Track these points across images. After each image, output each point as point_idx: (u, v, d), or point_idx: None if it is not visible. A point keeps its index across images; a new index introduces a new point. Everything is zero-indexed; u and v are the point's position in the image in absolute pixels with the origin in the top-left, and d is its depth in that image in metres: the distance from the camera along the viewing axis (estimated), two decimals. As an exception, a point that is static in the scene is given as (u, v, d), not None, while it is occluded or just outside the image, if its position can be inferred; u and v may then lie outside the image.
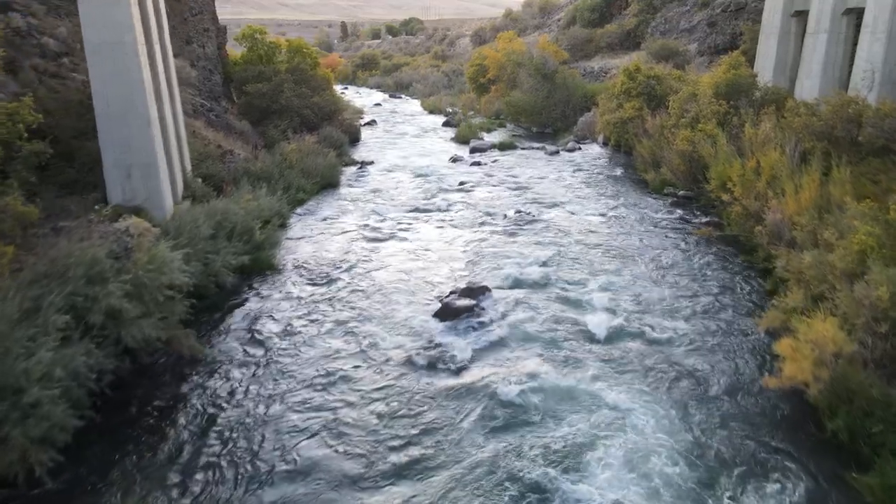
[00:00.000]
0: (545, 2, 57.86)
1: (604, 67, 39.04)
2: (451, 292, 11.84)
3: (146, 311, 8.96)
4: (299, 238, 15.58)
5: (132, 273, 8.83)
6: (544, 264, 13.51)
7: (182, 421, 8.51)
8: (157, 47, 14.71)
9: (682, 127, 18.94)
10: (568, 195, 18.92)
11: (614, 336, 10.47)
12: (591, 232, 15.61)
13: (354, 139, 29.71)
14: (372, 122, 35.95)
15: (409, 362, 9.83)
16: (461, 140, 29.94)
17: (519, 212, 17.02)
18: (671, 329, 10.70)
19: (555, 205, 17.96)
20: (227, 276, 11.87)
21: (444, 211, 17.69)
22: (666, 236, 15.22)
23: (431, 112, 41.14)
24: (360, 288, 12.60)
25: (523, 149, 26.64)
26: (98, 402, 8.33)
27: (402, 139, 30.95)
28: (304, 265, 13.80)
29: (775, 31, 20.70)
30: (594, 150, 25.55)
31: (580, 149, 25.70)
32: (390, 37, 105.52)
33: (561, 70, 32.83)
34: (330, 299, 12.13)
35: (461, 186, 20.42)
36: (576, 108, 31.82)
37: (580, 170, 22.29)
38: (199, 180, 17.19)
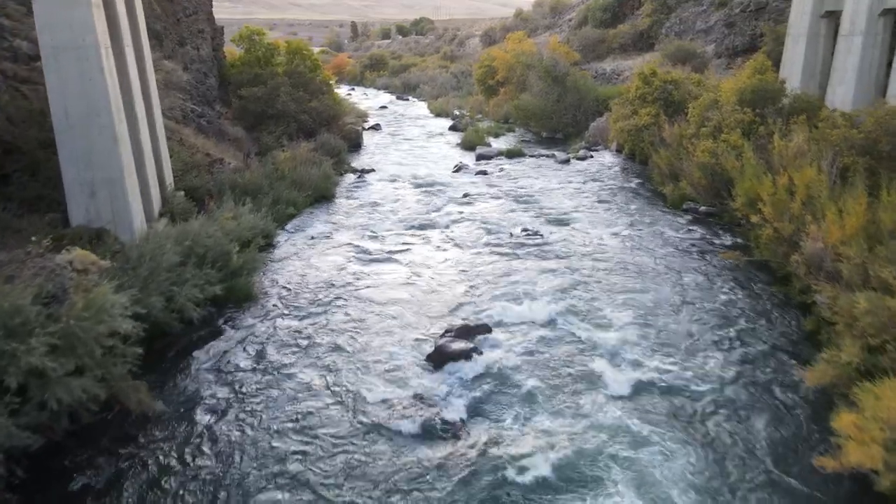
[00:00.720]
0: (556, 2, 56.10)
1: (616, 69, 37.37)
2: (447, 331, 10.30)
3: (81, 367, 7.49)
4: (284, 259, 14.08)
5: (64, 322, 7.37)
6: (553, 295, 11.94)
7: (119, 495, 7.05)
8: (128, 50, 13.26)
9: (702, 137, 17.30)
10: (579, 210, 17.32)
11: (636, 390, 8.88)
12: (605, 255, 14.02)
13: (356, 145, 28.22)
14: (376, 127, 34.46)
15: (395, 421, 8.30)
16: (467, 146, 28.38)
17: (526, 230, 15.45)
18: (701, 379, 9.12)
19: (565, 221, 16.38)
20: (193, 310, 10.38)
21: (445, 228, 16.15)
22: (688, 260, 13.62)
23: (438, 115, 39.60)
24: (346, 322, 11.10)
25: (532, 156, 25.03)
26: (15, 478, 6.90)
27: (405, 145, 29.43)
28: (287, 293, 12.30)
29: (803, 34, 18.99)
30: (606, 158, 23.92)
31: (592, 157, 24.08)
32: (400, 37, 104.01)
33: (572, 72, 31.19)
34: (310, 336, 10.63)
35: (465, 199, 18.87)
36: (587, 113, 30.19)
37: (592, 181, 20.68)
38: (182, 194, 15.77)
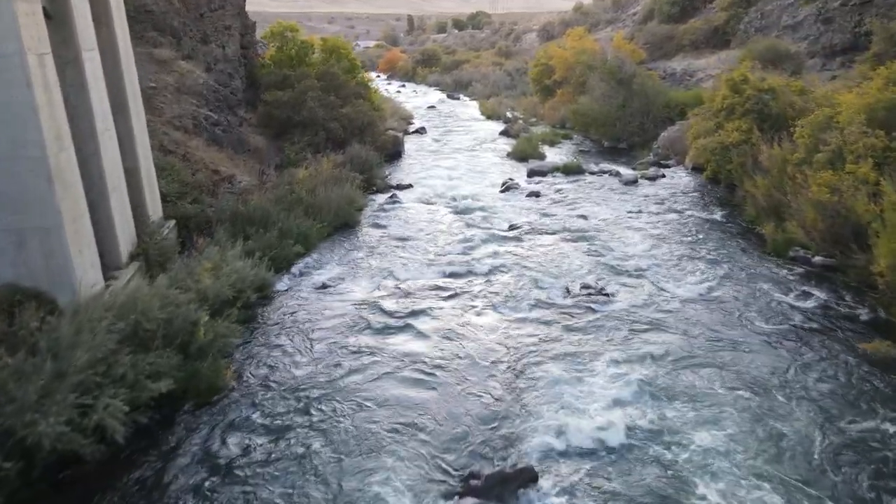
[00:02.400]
0: (619, -6, 51.52)
1: (687, 69, 32.94)
2: (469, 479, 6.85)
3: None
4: (274, 325, 10.80)
5: None
6: (623, 403, 8.33)
7: None
8: (88, 56, 10.19)
9: (817, 165, 13.26)
10: (654, 254, 13.53)
11: None
12: (694, 330, 10.28)
13: (395, 153, 24.91)
14: (420, 130, 31.07)
15: None
16: (518, 156, 24.71)
17: (587, 287, 11.80)
18: None
19: (636, 272, 12.63)
20: (119, 426, 7.25)
21: (484, 277, 12.64)
22: (811, 345, 9.74)
23: (489, 117, 35.91)
24: (333, 442, 7.75)
25: (592, 173, 21.19)
26: None
27: (450, 153, 25.93)
28: (266, 383, 9.05)
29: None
30: (681, 178, 19.91)
31: (663, 176, 20.09)
32: (456, 31, 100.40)
33: (639, 73, 27.06)
34: (279, 462, 7.36)
35: (512, 232, 15.31)
36: (656, 120, 26.08)
37: (667, 210, 16.78)
38: (172, 224, 12.80)
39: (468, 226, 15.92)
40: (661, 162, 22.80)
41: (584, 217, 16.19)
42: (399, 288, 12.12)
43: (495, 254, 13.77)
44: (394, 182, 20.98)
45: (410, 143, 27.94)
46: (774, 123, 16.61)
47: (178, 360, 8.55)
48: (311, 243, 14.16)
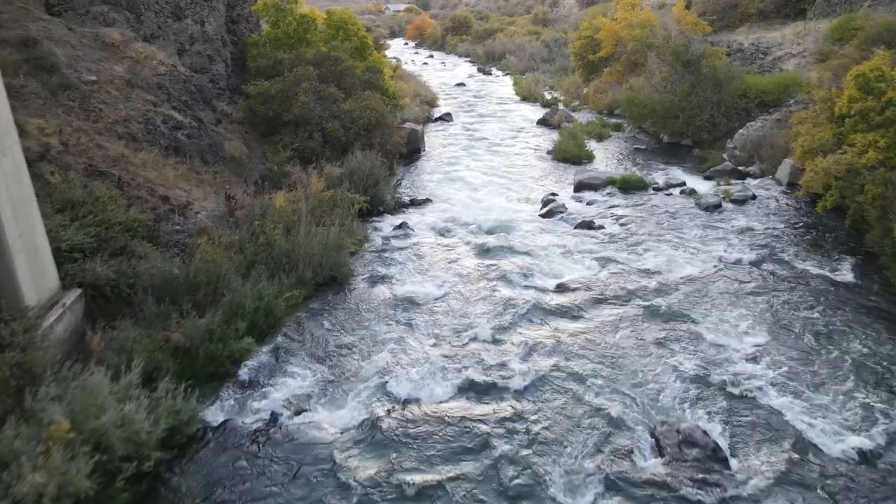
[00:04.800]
0: (672, -45, 44.90)
1: (758, 45, 27.08)
2: None
3: None
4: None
5: None
6: None
7: None
8: None
9: None
10: (774, 359, 8.61)
11: None
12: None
13: (413, 151, 20.18)
14: (446, 117, 26.11)
15: None
16: (561, 157, 19.77)
17: (687, 439, 7.10)
18: None
19: (755, 403, 7.80)
20: None
21: (520, 399, 7.99)
22: None
23: (525, 98, 30.66)
24: None
25: (657, 189, 16.19)
26: None
27: (478, 150, 21.05)
28: None
29: None
30: (778, 201, 14.79)
31: (753, 197, 14.97)
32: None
33: (709, 54, 21.61)
34: None
35: (558, 296, 10.61)
36: (728, 112, 20.76)
37: (772, 259, 11.79)
38: (73, 298, 8.54)
39: (498, 280, 11.25)
40: (741, 169, 17.68)
41: (658, 272, 11.36)
42: (394, 419, 7.60)
43: (536, 347, 9.10)
44: (407, 195, 16.33)
45: (433, 135, 23.12)
46: (931, 142, 11.47)
47: None
48: (277, 320, 9.68)
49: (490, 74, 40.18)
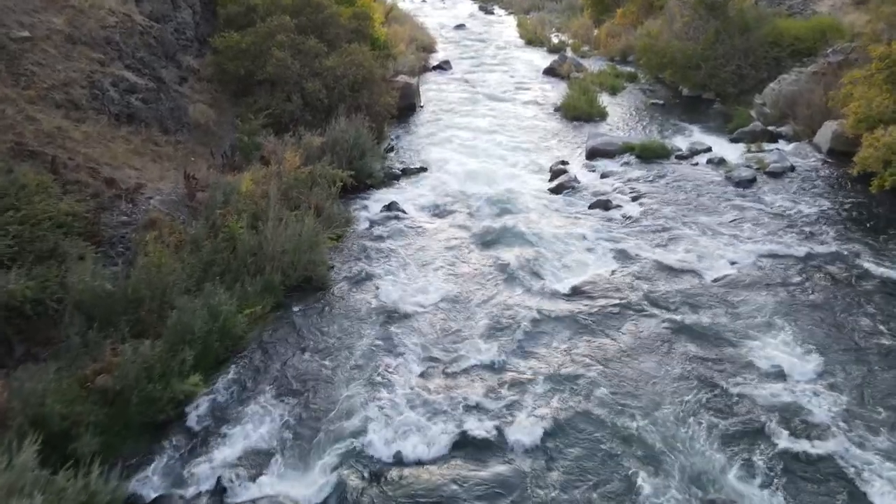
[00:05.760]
0: None
1: (787, -18, 24.23)
2: None
3: None
4: None
5: None
6: None
7: None
8: None
9: None
10: (840, 399, 6.94)
11: None
12: None
13: (407, 108, 18.02)
14: (444, 65, 23.69)
15: None
16: (571, 114, 17.65)
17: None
18: None
19: (823, 457, 6.27)
20: None
21: (530, 461, 6.37)
22: None
23: (530, 42, 28.02)
24: None
25: (681, 157, 14.17)
26: None
27: (479, 108, 18.87)
28: None
29: None
30: (820, 172, 12.80)
31: (792, 169, 12.98)
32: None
33: (737, -4, 19.07)
34: None
35: (573, 303, 8.87)
36: (757, 63, 18.43)
37: (818, 250, 10.00)
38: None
39: (501, 279, 9.49)
40: (772, 130, 15.60)
41: (690, 271, 9.56)
42: (369, 493, 6.01)
43: (548, 380, 7.41)
44: (399, 162, 14.39)
45: (430, 87, 20.86)
46: None
47: None
48: (236, 341, 7.98)
49: (492, 14, 37.16)
